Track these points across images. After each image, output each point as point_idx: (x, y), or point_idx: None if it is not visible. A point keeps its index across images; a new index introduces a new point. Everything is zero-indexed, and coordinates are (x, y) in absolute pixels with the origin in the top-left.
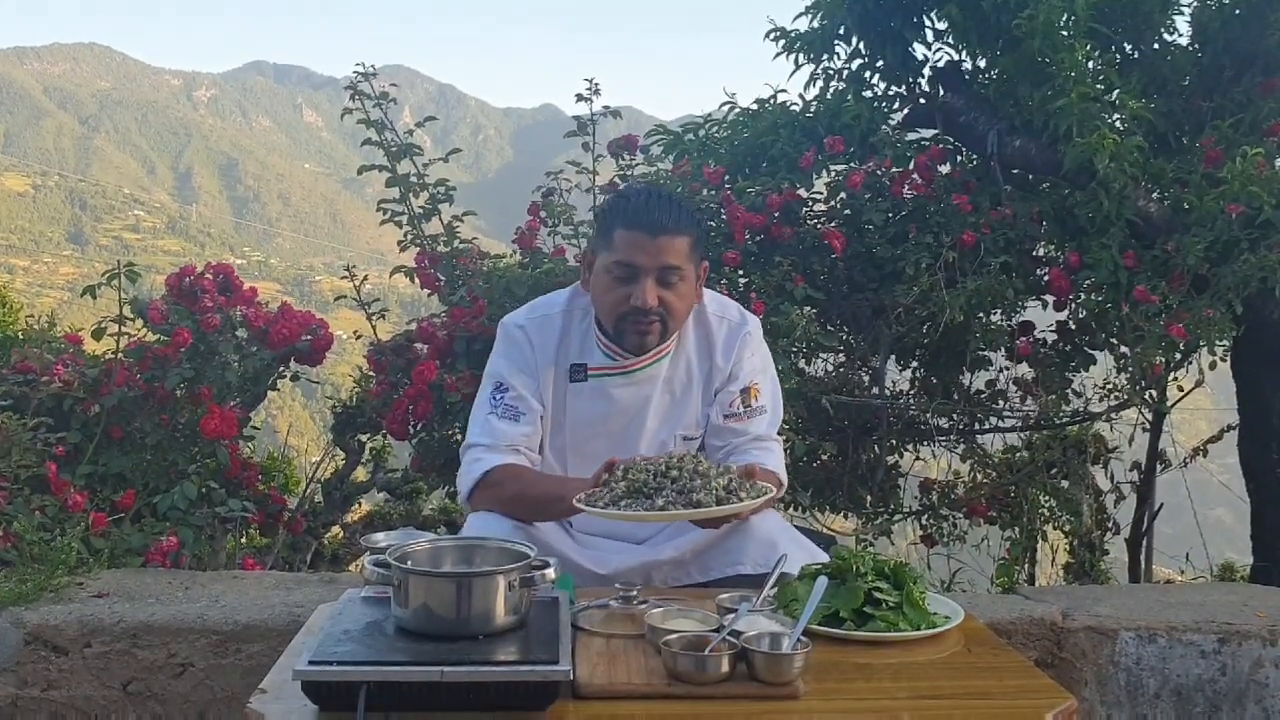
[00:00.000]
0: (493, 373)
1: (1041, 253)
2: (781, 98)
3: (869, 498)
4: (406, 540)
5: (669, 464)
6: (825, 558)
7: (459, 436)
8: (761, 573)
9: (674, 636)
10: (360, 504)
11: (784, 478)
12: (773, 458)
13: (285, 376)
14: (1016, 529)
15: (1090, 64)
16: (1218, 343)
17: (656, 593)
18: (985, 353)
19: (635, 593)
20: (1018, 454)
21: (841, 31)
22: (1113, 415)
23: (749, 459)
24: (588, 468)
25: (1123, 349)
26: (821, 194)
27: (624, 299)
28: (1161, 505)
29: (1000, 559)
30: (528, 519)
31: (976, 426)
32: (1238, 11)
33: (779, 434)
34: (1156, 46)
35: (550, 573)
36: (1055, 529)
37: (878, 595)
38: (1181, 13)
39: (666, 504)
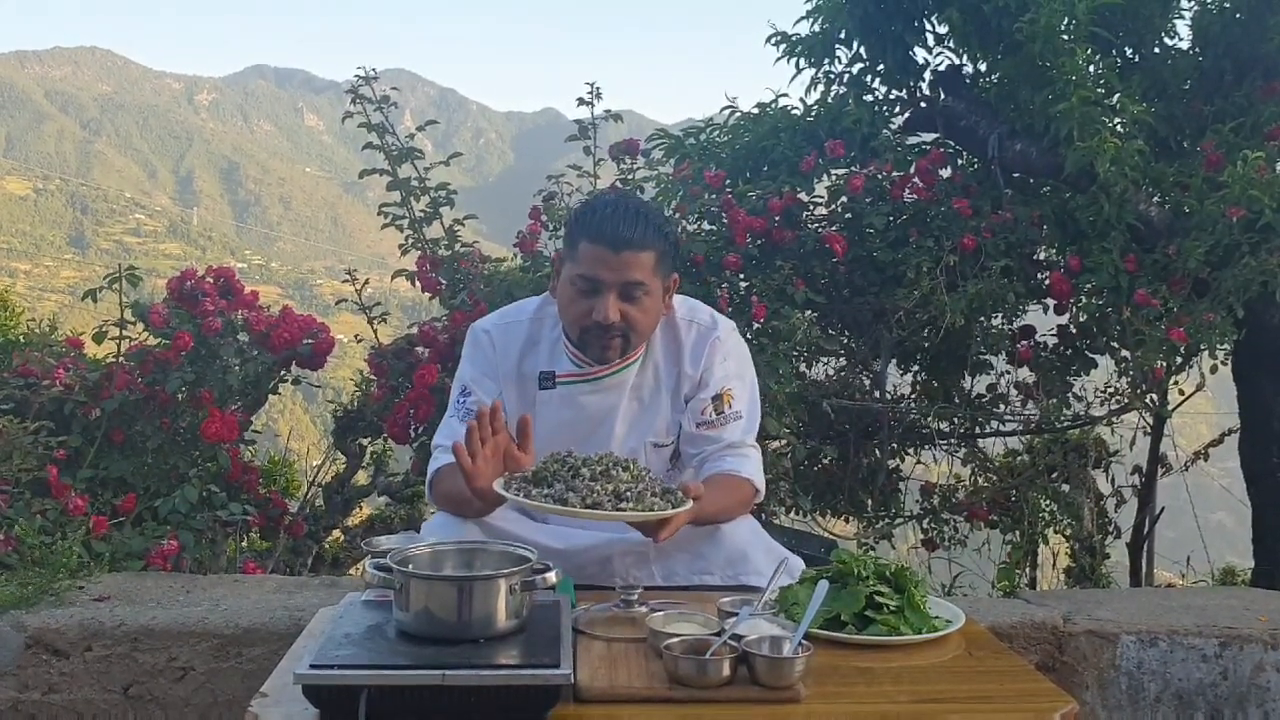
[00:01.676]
0: (459, 376)
1: (1042, 256)
2: (782, 102)
3: (870, 501)
4: (408, 544)
5: (585, 461)
6: (803, 566)
7: None
8: (728, 584)
9: (675, 640)
10: (361, 508)
11: (759, 484)
12: (748, 464)
13: (286, 380)
14: (1017, 533)
15: (1091, 68)
16: (1218, 346)
17: (657, 596)
18: (986, 356)
19: (636, 596)
20: (1019, 458)
21: (842, 36)
22: (1113, 419)
23: (723, 466)
24: None
25: (1123, 353)
26: (822, 198)
27: (586, 313)
28: (1162, 509)
29: (1001, 563)
30: (465, 514)
31: (977, 430)
32: (1238, 15)
33: (779, 436)
34: (1157, 50)
35: (551, 576)
36: (1056, 533)
37: (879, 599)
38: (1182, 17)
39: (543, 496)
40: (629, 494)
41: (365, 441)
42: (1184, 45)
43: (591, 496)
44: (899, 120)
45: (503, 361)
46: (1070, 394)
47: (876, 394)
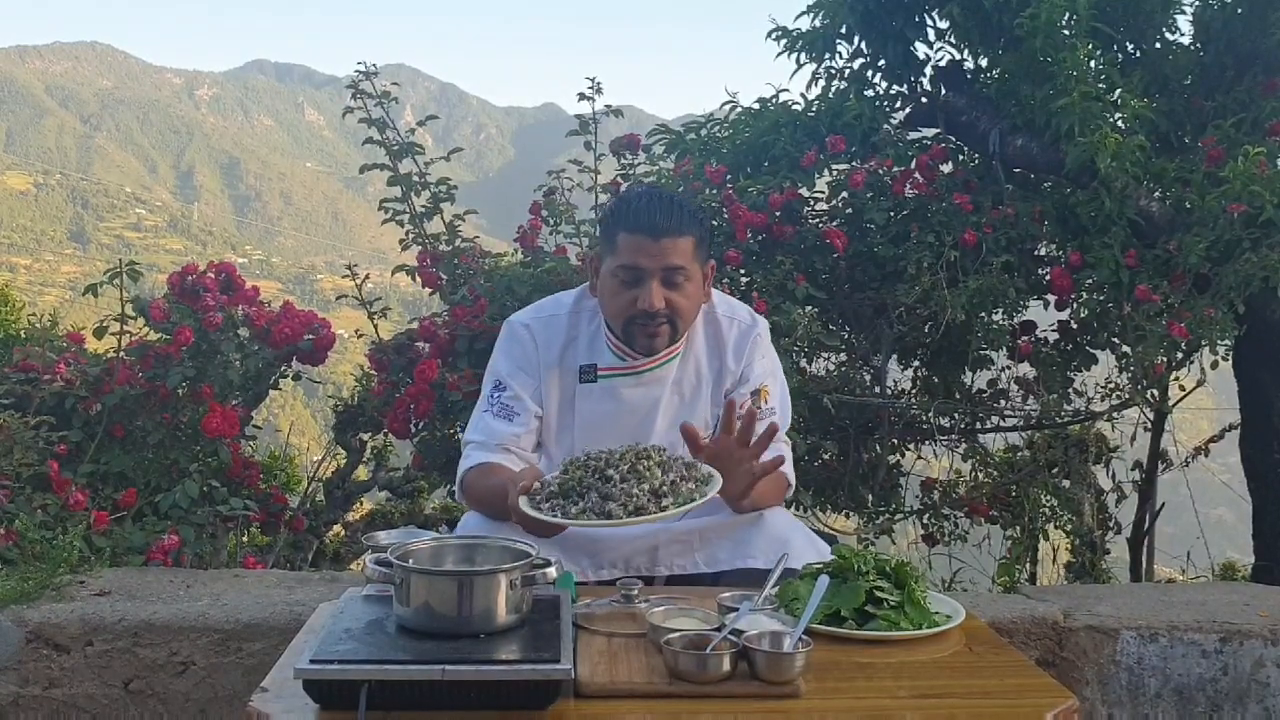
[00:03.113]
0: (493, 370)
1: (1043, 252)
2: (783, 97)
3: (870, 497)
4: (408, 539)
5: (609, 460)
6: (828, 549)
7: (460, 435)
8: (773, 567)
9: (675, 635)
10: (362, 503)
11: (791, 478)
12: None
13: (287, 375)
14: (1018, 528)
15: (1092, 63)
16: (1219, 342)
17: (657, 591)
18: (987, 352)
19: (636, 591)
20: (1019, 453)
21: (843, 31)
22: (1114, 415)
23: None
24: None
25: (1124, 348)
26: (823, 193)
27: (630, 303)
28: (1163, 504)
29: (1001, 558)
30: (495, 516)
31: (978, 426)
32: (1239, 11)
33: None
34: (1158, 46)
35: (551, 571)
36: (1056, 528)
37: (879, 594)
38: (1183, 12)
39: (581, 512)
40: (664, 489)
41: (366, 436)
42: (1185, 40)
43: (633, 502)
44: (900, 116)
45: (544, 355)
46: (1071, 389)
47: (877, 389)
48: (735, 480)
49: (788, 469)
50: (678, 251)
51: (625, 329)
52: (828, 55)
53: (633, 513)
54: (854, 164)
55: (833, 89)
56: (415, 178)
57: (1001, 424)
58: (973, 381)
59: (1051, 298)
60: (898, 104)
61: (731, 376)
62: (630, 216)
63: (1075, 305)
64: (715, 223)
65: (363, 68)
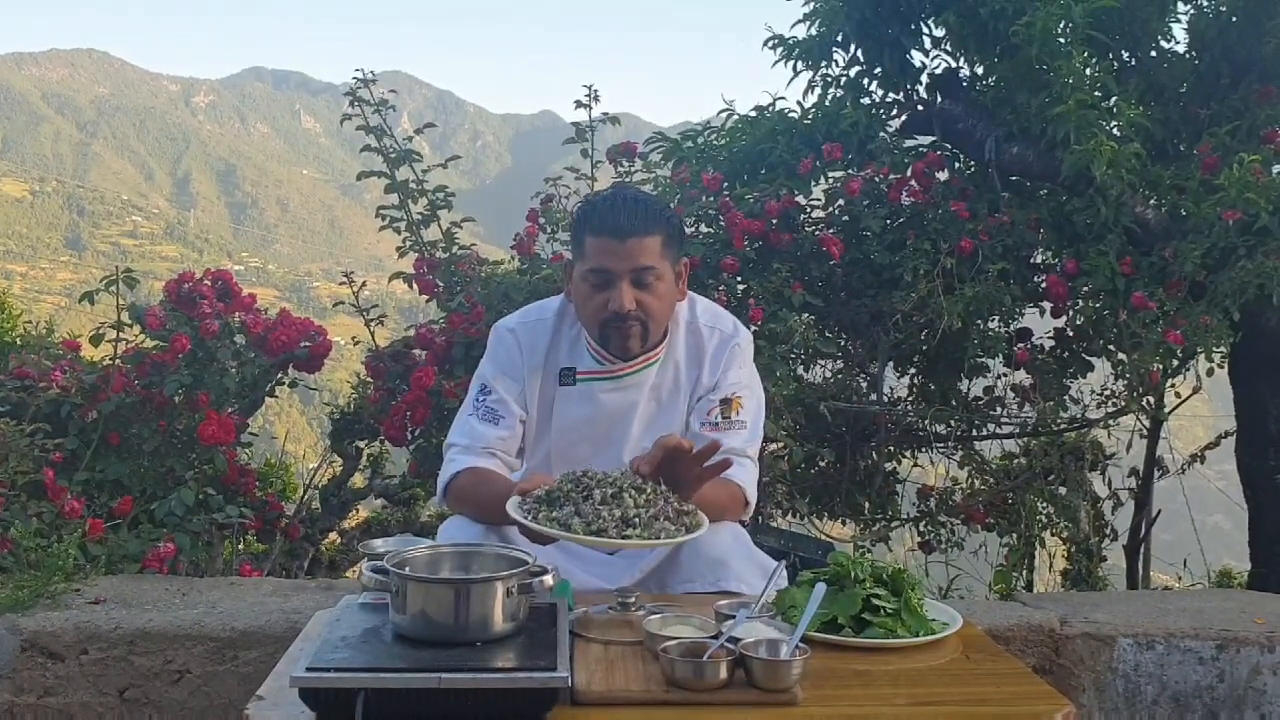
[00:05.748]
0: (480, 374)
1: (1039, 259)
2: (780, 105)
3: (867, 504)
4: (404, 546)
5: (599, 481)
6: (783, 572)
7: None
8: (711, 590)
9: (672, 643)
10: (358, 510)
11: (750, 495)
12: (743, 473)
13: (283, 383)
14: (1014, 535)
15: (1088, 71)
16: (1215, 349)
17: (654, 599)
18: (983, 359)
19: (633, 599)
20: (1015, 460)
21: (839, 39)
22: (1110, 422)
23: None
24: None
25: (1120, 356)
26: (820, 200)
27: (602, 305)
28: (1159, 512)
29: (998, 565)
30: (490, 522)
31: (974, 433)
32: (1234, 19)
33: (776, 439)
34: (1154, 54)
35: (548, 579)
36: (1053, 535)
37: (876, 602)
38: (1179, 20)
39: (549, 519)
40: (636, 520)
41: (362, 444)
42: (1180, 49)
43: (597, 522)
44: (896, 123)
45: (529, 359)
46: (1067, 396)
47: (873, 396)
48: (681, 486)
49: (747, 483)
50: (645, 251)
51: (601, 332)
52: (824, 63)
53: (593, 532)
54: (850, 171)
55: (829, 97)
56: (412, 185)
57: (998, 431)
58: (969, 389)
59: (1047, 305)
60: (894, 111)
61: (705, 387)
62: (596, 219)
63: (1071, 312)
64: (712, 230)
65: (360, 75)
